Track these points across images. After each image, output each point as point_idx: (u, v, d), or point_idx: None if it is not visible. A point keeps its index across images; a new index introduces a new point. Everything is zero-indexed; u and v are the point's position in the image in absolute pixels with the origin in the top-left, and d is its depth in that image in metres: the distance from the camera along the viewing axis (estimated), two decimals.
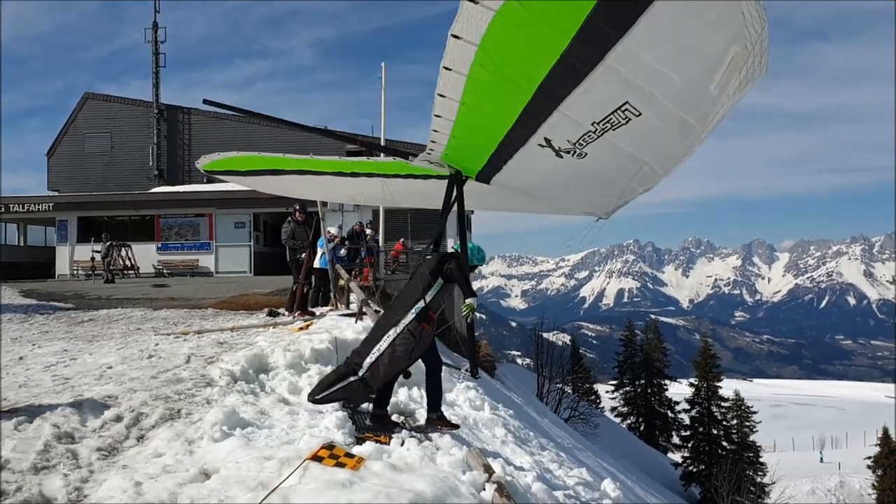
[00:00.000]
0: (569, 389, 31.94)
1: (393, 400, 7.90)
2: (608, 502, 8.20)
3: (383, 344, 4.87)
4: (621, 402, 41.29)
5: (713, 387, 36.24)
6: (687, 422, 37.43)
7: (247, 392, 6.95)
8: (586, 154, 4.56)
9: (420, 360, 5.42)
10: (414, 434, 6.27)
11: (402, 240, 24.98)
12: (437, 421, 5.84)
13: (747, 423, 35.78)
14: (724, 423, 35.78)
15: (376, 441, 5.32)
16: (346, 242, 17.39)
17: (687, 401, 37.68)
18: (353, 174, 6.94)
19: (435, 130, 4.86)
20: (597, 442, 24.53)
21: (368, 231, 19.60)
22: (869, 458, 43.78)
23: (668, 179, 4.93)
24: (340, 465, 4.34)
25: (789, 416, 69.96)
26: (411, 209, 28.86)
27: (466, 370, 5.59)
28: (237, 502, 3.85)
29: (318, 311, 13.88)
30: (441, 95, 4.21)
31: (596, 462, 15.52)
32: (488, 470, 4.86)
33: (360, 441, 5.41)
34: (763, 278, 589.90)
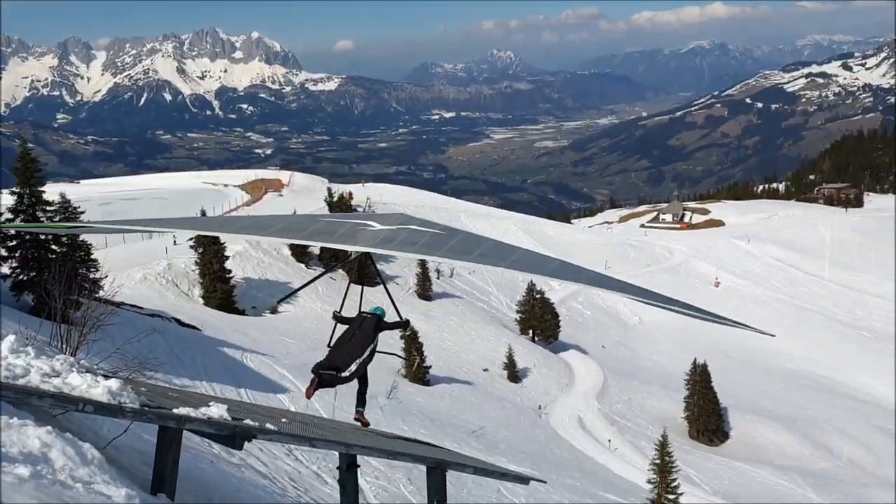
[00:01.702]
0: None
1: None
2: None
3: (353, 365, 7.18)
4: None
5: (37, 192, 35.14)
6: (13, 233, 35.81)
7: None
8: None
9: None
10: None
11: None
12: (359, 416, 8.17)
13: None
14: None
15: None
16: None
17: (10, 209, 35.81)
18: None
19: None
20: None
21: None
22: None
23: None
24: None
25: (119, 213, 72.02)
26: None
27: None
28: None
29: None
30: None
31: None
32: None
33: None
34: (83, 78, 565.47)
